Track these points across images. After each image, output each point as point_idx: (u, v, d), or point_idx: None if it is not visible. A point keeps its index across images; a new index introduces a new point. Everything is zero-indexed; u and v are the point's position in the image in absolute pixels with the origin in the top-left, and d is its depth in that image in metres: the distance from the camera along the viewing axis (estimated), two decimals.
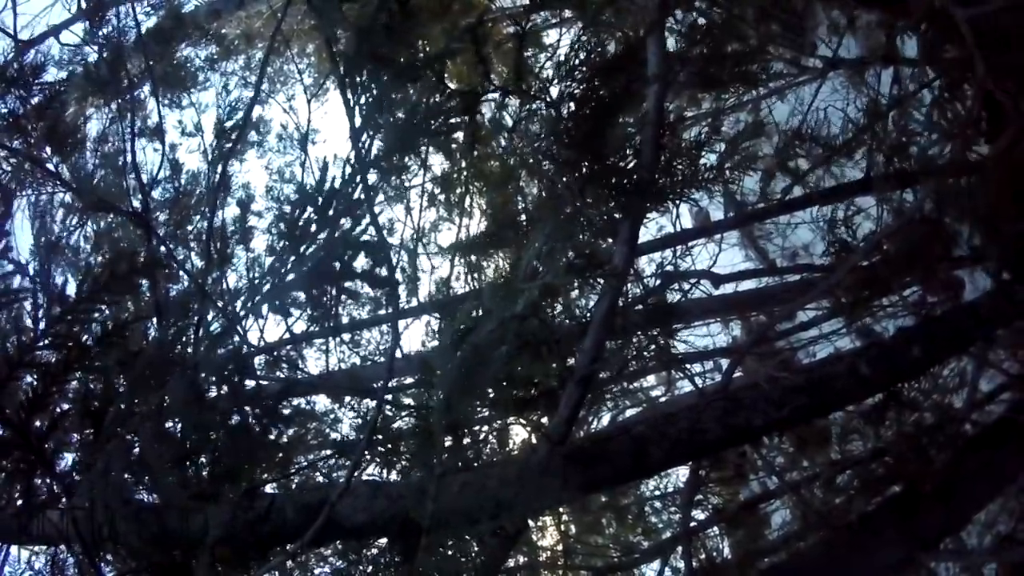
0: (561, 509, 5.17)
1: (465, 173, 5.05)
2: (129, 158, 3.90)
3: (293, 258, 2.59)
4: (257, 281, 2.90)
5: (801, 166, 5.30)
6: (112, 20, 4.36)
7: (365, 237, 2.61)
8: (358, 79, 2.34)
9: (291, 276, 2.66)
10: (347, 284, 2.68)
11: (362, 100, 2.38)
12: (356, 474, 3.25)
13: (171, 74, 5.58)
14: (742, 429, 3.16)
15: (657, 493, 5.51)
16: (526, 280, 2.91)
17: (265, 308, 2.78)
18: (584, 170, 3.15)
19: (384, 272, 2.69)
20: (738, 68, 3.78)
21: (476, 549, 3.15)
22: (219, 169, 4.66)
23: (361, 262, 2.73)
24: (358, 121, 2.37)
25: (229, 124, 4.94)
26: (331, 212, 2.50)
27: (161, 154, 4.64)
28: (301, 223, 2.53)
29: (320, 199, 2.48)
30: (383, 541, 3.22)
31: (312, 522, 2.72)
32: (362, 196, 2.47)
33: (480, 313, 3.05)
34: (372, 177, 2.58)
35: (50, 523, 2.50)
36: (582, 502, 5.18)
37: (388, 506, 2.87)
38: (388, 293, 3.01)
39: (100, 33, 4.27)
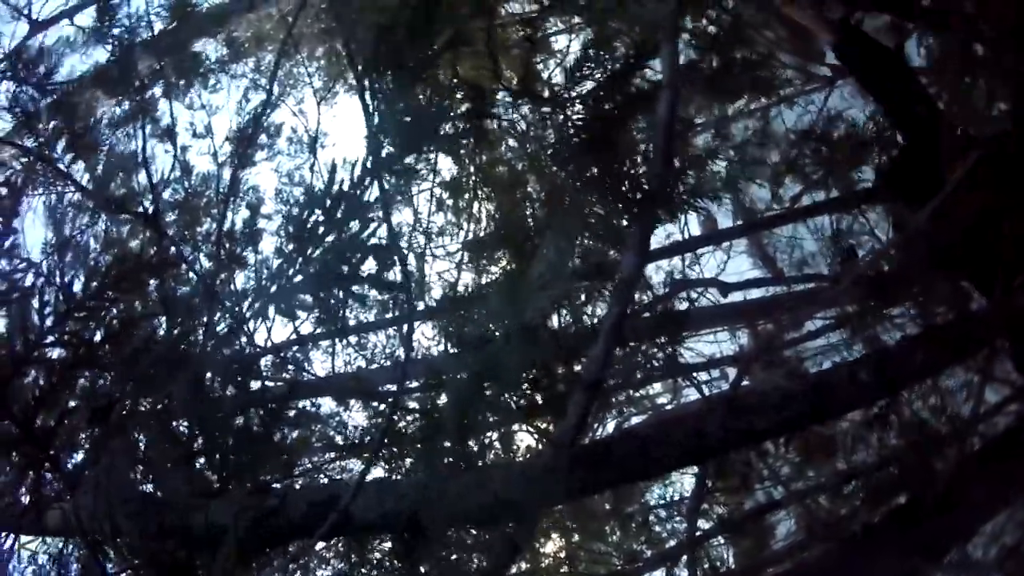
0: (565, 513, 5.16)
1: (474, 177, 5.05)
2: (141, 159, 3.92)
3: (301, 260, 2.60)
4: (265, 283, 2.90)
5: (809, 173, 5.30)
6: (123, 20, 4.38)
7: (374, 240, 2.61)
8: (376, 81, 2.35)
9: (299, 278, 2.66)
10: (355, 288, 2.68)
11: (378, 102, 2.38)
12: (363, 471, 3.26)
13: (183, 75, 5.60)
14: (744, 432, 3.16)
15: (662, 501, 5.50)
16: (536, 289, 2.91)
17: (272, 310, 2.79)
18: (594, 177, 3.16)
19: (394, 276, 2.69)
20: (749, 75, 3.78)
21: (482, 555, 3.16)
22: (230, 173, 4.69)
23: (369, 266, 2.73)
24: (375, 122, 2.37)
25: (242, 128, 4.96)
26: (339, 215, 2.50)
27: (173, 155, 4.66)
28: (309, 226, 2.53)
29: (328, 202, 2.48)
30: (388, 544, 3.24)
31: (321, 518, 2.73)
32: (373, 199, 2.47)
33: (489, 319, 3.05)
34: (389, 180, 2.59)
35: (53, 518, 2.51)
36: (586, 506, 5.18)
37: (397, 502, 2.88)
38: (398, 297, 3.02)
39: (112, 33, 4.29)
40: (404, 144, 2.49)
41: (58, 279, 2.34)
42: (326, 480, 4.04)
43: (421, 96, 2.54)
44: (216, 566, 2.41)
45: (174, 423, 2.75)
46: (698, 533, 4.95)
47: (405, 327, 3.91)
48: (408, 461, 3.50)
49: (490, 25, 3.32)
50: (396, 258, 2.62)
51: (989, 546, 4.47)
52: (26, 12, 4.47)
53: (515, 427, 3.76)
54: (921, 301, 4.16)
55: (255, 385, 3.38)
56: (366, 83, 2.36)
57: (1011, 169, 3.40)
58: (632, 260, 3.16)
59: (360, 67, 2.32)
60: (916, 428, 4.04)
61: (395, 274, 2.81)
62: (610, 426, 5.56)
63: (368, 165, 2.49)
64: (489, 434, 3.60)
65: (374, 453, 3.18)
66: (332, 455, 4.08)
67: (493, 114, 3.16)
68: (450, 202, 5.75)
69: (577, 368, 3.51)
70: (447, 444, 3.10)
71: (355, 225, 2.55)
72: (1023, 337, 3.58)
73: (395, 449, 3.54)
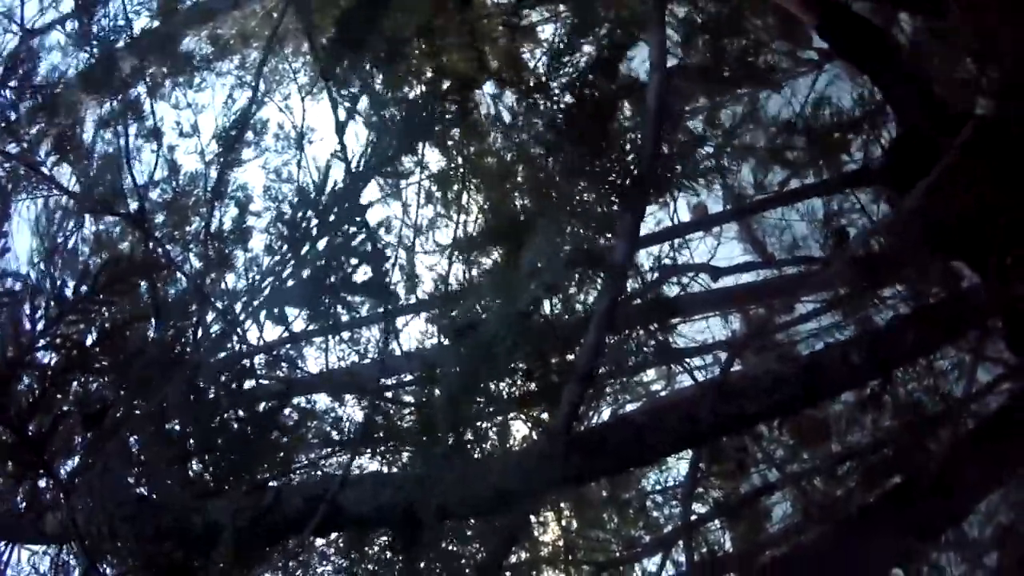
0: (562, 502, 5.17)
1: (462, 168, 5.04)
2: (125, 159, 3.90)
3: (291, 262, 2.59)
4: (255, 283, 2.90)
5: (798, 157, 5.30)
6: (104, 21, 4.37)
7: (358, 242, 2.61)
8: (340, 69, 2.34)
9: (288, 281, 2.66)
10: (343, 295, 2.69)
11: (344, 91, 2.37)
12: (360, 470, 3.26)
13: (168, 74, 5.59)
14: (735, 417, 3.17)
15: (658, 487, 5.51)
16: (527, 277, 2.91)
17: (263, 314, 2.79)
18: (583, 164, 3.15)
19: (377, 278, 2.69)
20: (739, 64, 3.78)
21: (478, 544, 3.17)
22: (217, 172, 4.67)
23: (357, 267, 2.73)
24: (342, 114, 2.36)
25: (228, 127, 4.95)
26: (328, 216, 2.50)
27: (157, 155, 4.65)
28: (299, 227, 2.53)
29: (318, 202, 2.48)
30: (385, 538, 3.24)
31: (317, 513, 2.74)
32: (351, 194, 2.47)
33: (480, 310, 3.05)
34: (365, 175, 2.59)
35: (51, 523, 2.51)
36: (583, 494, 5.19)
37: (393, 494, 2.89)
38: (383, 301, 3.02)
39: (92, 31, 4.27)
40: (383, 135, 2.49)
41: (48, 283, 2.33)
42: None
43: (393, 85, 2.54)
44: (213, 566, 2.41)
45: (168, 424, 2.75)
46: (694, 518, 4.96)
47: (385, 323, 3.91)
48: (404, 454, 3.50)
49: (464, 14, 3.30)
50: (377, 263, 2.62)
51: (984, 525, 4.49)
52: (17, 21, 4.48)
53: (510, 417, 3.76)
54: (913, 281, 4.17)
55: (249, 384, 3.38)
56: (329, 73, 2.35)
57: (1003, 147, 3.40)
58: (622, 247, 3.16)
59: (323, 55, 2.31)
60: (910, 408, 4.06)
61: (369, 273, 2.82)
62: (605, 413, 5.58)
63: (339, 157, 2.49)
64: (484, 424, 3.61)
65: (359, 444, 3.18)
66: (328, 451, 4.08)
67: (473, 105, 3.14)
68: (439, 194, 5.75)
69: (570, 357, 3.52)
70: (442, 435, 3.10)
71: (343, 227, 2.55)
72: (1016, 316, 3.59)
73: (390, 443, 3.55)
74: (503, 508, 3.03)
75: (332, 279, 2.60)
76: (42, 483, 2.41)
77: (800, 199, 5.36)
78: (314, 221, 2.64)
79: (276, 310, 2.71)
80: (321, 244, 2.68)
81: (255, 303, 2.82)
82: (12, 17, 4.59)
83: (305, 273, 2.62)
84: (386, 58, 2.75)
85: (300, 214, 2.55)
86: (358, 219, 2.64)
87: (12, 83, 4.07)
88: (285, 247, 2.59)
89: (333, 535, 3.32)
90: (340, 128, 2.65)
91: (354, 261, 2.63)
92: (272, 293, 2.63)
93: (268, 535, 2.79)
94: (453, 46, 3.48)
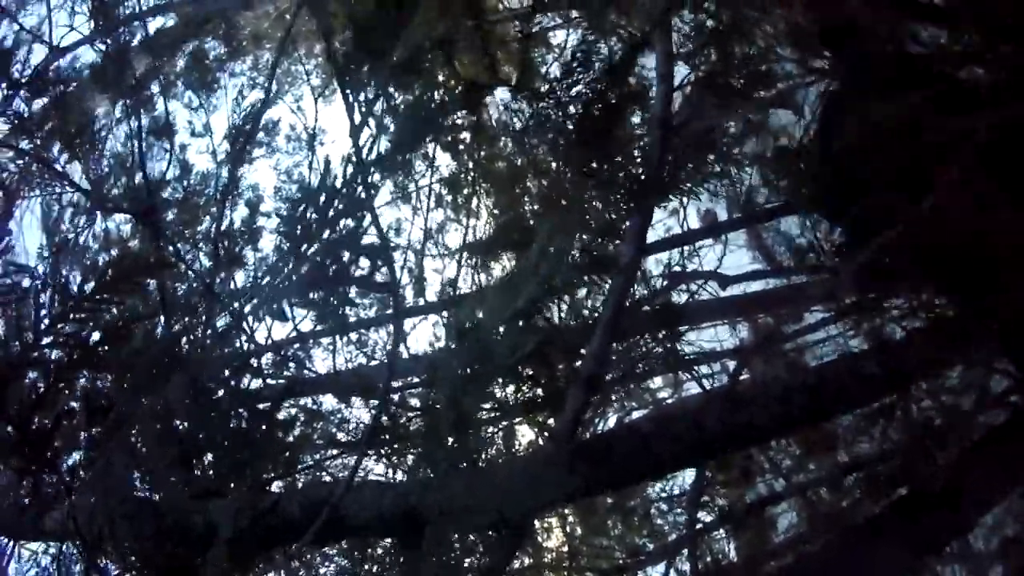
0: (566, 509, 5.17)
1: (472, 173, 5.05)
2: (138, 157, 3.92)
3: (295, 260, 2.60)
4: (262, 282, 2.91)
5: None
6: (119, 18, 4.38)
7: (367, 239, 2.62)
8: (357, 75, 2.35)
9: (293, 278, 2.67)
10: (347, 289, 2.69)
11: (361, 96, 2.38)
12: (364, 473, 3.26)
13: (181, 74, 5.62)
14: (745, 427, 3.16)
15: (663, 495, 5.50)
16: (529, 276, 2.92)
17: (264, 312, 2.79)
18: (592, 168, 3.16)
19: (385, 276, 2.69)
20: (749, 71, 3.77)
21: (481, 549, 3.16)
22: (228, 172, 4.69)
23: (363, 264, 2.73)
24: (357, 118, 2.37)
25: (240, 127, 4.97)
26: (332, 213, 2.50)
27: (169, 153, 4.67)
28: (303, 224, 2.54)
29: (322, 199, 2.49)
30: (388, 541, 3.24)
31: (318, 516, 2.73)
32: (363, 195, 2.47)
33: (484, 311, 3.06)
34: (375, 176, 2.59)
35: (52, 521, 2.51)
36: (588, 502, 5.18)
37: (395, 501, 2.88)
38: (390, 296, 3.02)
39: (106, 29, 4.29)
40: (395, 138, 2.49)
41: (55, 280, 2.34)
42: (328, 478, 4.05)
43: (409, 91, 2.54)
44: (208, 566, 2.41)
45: (172, 423, 2.75)
46: (699, 526, 4.95)
47: (393, 325, 3.92)
48: (409, 458, 3.50)
49: (480, 20, 3.32)
50: (384, 258, 2.62)
51: (990, 537, 4.47)
52: (44, 39, 4.51)
53: (515, 421, 3.76)
54: (921, 294, 4.15)
55: (256, 383, 3.38)
56: (346, 78, 2.35)
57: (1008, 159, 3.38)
58: (629, 251, 3.17)
59: (340, 62, 2.31)
60: (918, 420, 4.04)
61: (384, 274, 2.82)
62: (611, 420, 5.57)
63: (354, 161, 2.49)
64: (488, 429, 3.60)
65: (363, 450, 3.19)
66: (333, 452, 4.09)
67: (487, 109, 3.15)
68: (449, 198, 5.76)
69: (576, 363, 3.52)
70: (447, 440, 3.10)
71: (346, 223, 2.55)
72: (1017, 333, 3.56)
73: (396, 446, 3.55)
74: (508, 514, 3.03)
75: (333, 272, 2.60)
76: (44, 480, 2.42)
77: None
78: (321, 216, 2.64)
79: (276, 306, 2.72)
80: (325, 239, 2.69)
81: (260, 300, 2.83)
82: (39, 36, 4.61)
83: (308, 269, 2.62)
84: (402, 64, 2.76)
85: (303, 211, 2.56)
86: (360, 213, 2.64)
87: (32, 89, 4.10)
88: (290, 245, 2.60)
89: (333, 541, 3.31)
90: (355, 132, 2.65)
91: (356, 255, 2.64)
92: (274, 289, 2.64)
93: (267, 537, 2.79)
94: (466, 51, 3.49)
